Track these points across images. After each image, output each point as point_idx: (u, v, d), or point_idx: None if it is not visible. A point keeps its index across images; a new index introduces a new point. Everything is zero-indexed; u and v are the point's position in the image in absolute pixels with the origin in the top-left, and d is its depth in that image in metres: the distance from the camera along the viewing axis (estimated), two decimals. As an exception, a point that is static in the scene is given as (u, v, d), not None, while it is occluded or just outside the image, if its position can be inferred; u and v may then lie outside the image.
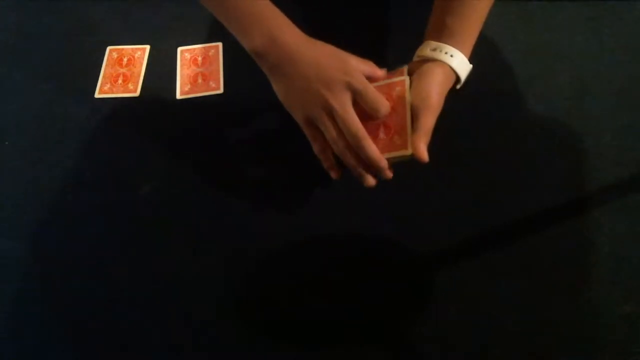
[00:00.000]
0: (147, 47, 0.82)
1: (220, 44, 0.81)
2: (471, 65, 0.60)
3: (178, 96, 0.77)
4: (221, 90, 0.77)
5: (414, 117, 0.56)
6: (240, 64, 0.79)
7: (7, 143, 0.75)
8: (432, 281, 0.62)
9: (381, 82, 0.59)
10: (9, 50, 0.85)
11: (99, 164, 0.72)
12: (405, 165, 0.68)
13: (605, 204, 0.65)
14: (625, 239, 0.62)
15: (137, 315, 0.61)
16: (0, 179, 0.72)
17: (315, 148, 0.59)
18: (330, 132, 0.56)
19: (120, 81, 0.79)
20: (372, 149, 0.55)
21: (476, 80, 0.74)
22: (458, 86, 0.61)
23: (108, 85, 0.79)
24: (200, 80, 0.78)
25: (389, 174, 0.57)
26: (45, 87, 0.80)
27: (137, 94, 0.78)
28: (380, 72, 0.59)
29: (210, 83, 0.78)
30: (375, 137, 0.57)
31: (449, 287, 0.61)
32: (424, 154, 0.55)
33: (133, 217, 0.68)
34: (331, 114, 0.55)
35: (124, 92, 0.78)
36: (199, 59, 0.80)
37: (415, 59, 0.61)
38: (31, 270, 0.65)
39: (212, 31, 0.83)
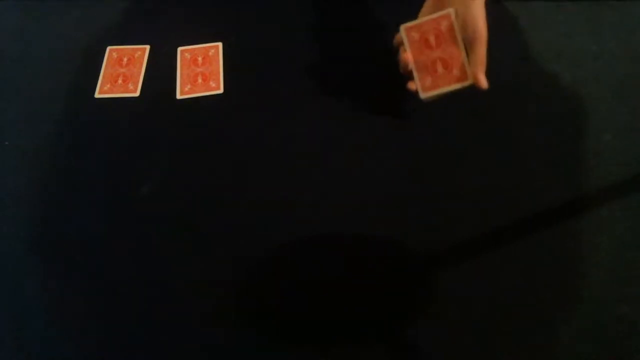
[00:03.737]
0: (147, 47, 0.82)
1: (220, 44, 0.81)
2: None
3: (178, 96, 0.77)
4: (221, 90, 0.77)
5: (468, 49, 0.60)
6: (240, 64, 0.79)
7: (7, 143, 0.75)
8: (432, 281, 0.62)
9: (426, 18, 0.63)
10: (9, 50, 0.85)
11: (99, 164, 0.72)
12: (405, 164, 0.68)
13: (605, 203, 0.65)
14: (625, 239, 0.62)
15: (136, 315, 0.61)
16: (0, 179, 0.72)
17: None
18: None
19: (120, 81, 0.79)
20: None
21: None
22: None
23: (108, 85, 0.79)
24: (200, 80, 0.78)
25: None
26: (45, 87, 0.80)
27: (137, 94, 0.78)
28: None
29: (210, 83, 0.78)
30: (434, 72, 0.62)
31: (449, 287, 0.61)
32: (483, 82, 0.59)
33: (133, 217, 0.68)
34: None
35: (124, 92, 0.78)
36: (199, 59, 0.80)
37: None
38: (31, 270, 0.65)
39: (212, 31, 0.83)
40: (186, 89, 0.77)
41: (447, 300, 0.60)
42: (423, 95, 0.63)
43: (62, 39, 0.85)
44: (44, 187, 0.71)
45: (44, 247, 0.67)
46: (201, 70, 0.79)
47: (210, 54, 0.81)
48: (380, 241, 0.64)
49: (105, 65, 0.81)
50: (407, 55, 0.64)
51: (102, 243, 0.66)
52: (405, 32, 0.64)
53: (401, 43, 0.65)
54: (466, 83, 0.60)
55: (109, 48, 0.82)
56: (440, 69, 0.61)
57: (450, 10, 0.61)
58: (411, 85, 0.65)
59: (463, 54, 0.60)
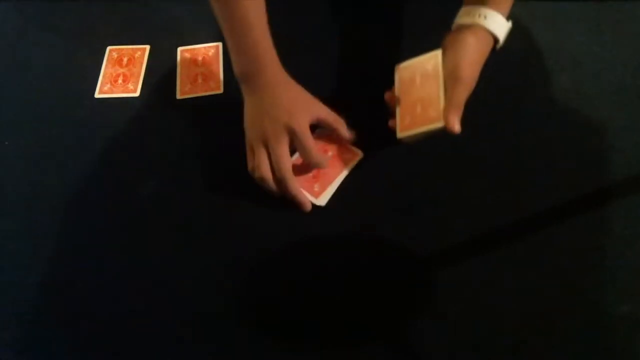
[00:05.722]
0: (147, 47, 0.82)
1: (220, 44, 0.81)
2: (509, 23, 0.61)
3: (178, 96, 0.77)
4: (221, 90, 0.77)
5: (448, 91, 0.58)
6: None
7: (7, 143, 0.75)
8: (432, 281, 0.62)
9: (414, 59, 0.62)
10: (9, 50, 0.85)
11: (99, 164, 0.72)
12: (405, 164, 0.69)
13: (605, 203, 0.65)
14: (625, 238, 0.62)
15: (136, 315, 0.61)
16: (0, 179, 0.72)
17: (249, 166, 0.66)
18: (259, 159, 0.63)
19: (120, 81, 0.79)
20: (294, 187, 0.62)
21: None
22: (497, 46, 0.61)
23: (108, 85, 0.79)
24: (200, 80, 0.78)
25: (307, 208, 0.64)
26: (45, 87, 0.80)
27: (137, 94, 0.78)
28: (343, 130, 0.65)
29: (210, 83, 0.78)
30: (413, 112, 0.60)
31: (449, 287, 0.61)
32: (453, 126, 0.57)
33: (133, 217, 0.68)
34: (266, 145, 0.63)
35: (124, 92, 0.78)
36: (199, 59, 0.80)
37: (453, 28, 0.62)
38: (31, 270, 0.65)
39: (212, 31, 0.83)
40: (186, 89, 0.77)
41: (447, 300, 0.60)
42: (399, 134, 0.63)
43: (62, 39, 0.85)
44: (44, 187, 0.71)
45: (43, 247, 0.67)
46: (201, 70, 0.79)
47: (210, 54, 0.81)
48: (380, 241, 0.64)
49: (105, 65, 0.81)
50: (390, 95, 0.65)
51: (102, 242, 0.66)
52: (398, 72, 0.64)
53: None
54: (438, 125, 0.58)
55: (109, 48, 0.83)
56: (419, 108, 0.60)
57: (438, 52, 0.60)
58: (391, 123, 0.65)
59: (441, 95, 0.58)
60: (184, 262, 0.64)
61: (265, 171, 0.62)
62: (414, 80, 0.62)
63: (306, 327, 0.60)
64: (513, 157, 0.69)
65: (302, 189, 0.65)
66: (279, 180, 0.62)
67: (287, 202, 0.65)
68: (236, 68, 0.66)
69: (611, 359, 0.57)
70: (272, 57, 0.65)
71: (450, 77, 0.58)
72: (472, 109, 0.72)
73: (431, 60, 0.60)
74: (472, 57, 0.59)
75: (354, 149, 0.69)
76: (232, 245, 0.65)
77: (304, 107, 0.64)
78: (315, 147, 0.63)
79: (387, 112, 0.67)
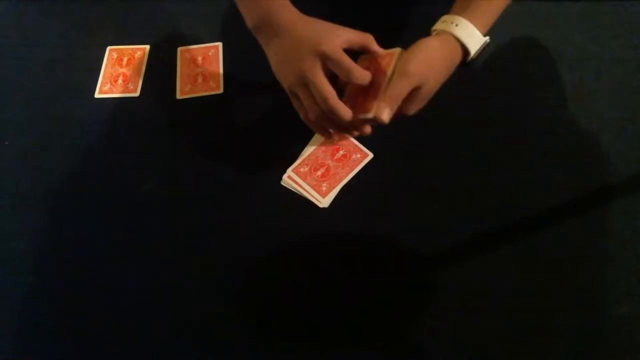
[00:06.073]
0: (147, 47, 0.82)
1: (220, 44, 0.81)
2: (485, 38, 0.62)
3: (178, 96, 0.77)
4: (221, 90, 0.77)
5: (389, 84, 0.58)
6: (240, 64, 0.79)
7: (7, 143, 0.75)
8: (432, 281, 0.62)
9: (376, 54, 0.62)
10: (9, 51, 0.85)
11: (98, 164, 0.72)
12: (406, 164, 0.69)
13: (605, 203, 0.65)
14: (625, 238, 0.62)
15: (136, 315, 0.61)
16: (0, 179, 0.72)
17: (301, 115, 0.63)
18: (305, 100, 0.60)
19: (120, 81, 0.79)
20: (340, 107, 0.58)
21: (475, 80, 0.74)
22: (468, 58, 0.61)
23: (108, 85, 0.79)
24: (200, 80, 0.78)
25: (367, 130, 0.62)
26: (45, 87, 0.80)
27: (137, 94, 0.78)
28: (374, 45, 0.62)
29: (210, 83, 0.78)
30: (356, 99, 0.61)
31: (449, 287, 0.61)
32: (381, 114, 0.57)
33: (133, 217, 0.68)
34: (305, 82, 0.59)
35: (124, 92, 0.78)
36: (199, 59, 0.80)
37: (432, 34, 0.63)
38: (31, 270, 0.65)
39: (212, 31, 0.83)
40: (186, 89, 0.77)
41: (447, 300, 0.60)
42: None
43: (62, 39, 0.85)
44: (44, 187, 0.71)
45: (43, 247, 0.67)
46: (201, 70, 0.79)
47: (210, 54, 0.81)
48: (380, 241, 0.64)
49: (105, 65, 0.81)
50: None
51: (102, 242, 0.66)
52: (359, 61, 0.64)
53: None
54: (369, 114, 0.58)
55: (109, 48, 0.83)
56: (360, 98, 0.61)
57: (397, 49, 0.60)
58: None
59: (383, 88, 0.59)
60: (184, 262, 0.64)
61: (317, 111, 0.60)
62: (370, 71, 0.62)
63: (306, 327, 0.60)
64: (513, 157, 0.69)
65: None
66: (330, 112, 0.59)
67: (289, 201, 0.65)
68: (249, 19, 0.63)
69: (611, 359, 0.57)
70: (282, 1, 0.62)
71: (397, 71, 0.58)
72: (472, 109, 0.72)
73: (387, 55, 0.61)
74: (426, 55, 0.59)
75: (364, 149, 0.69)
76: (232, 245, 0.65)
77: (330, 33, 0.60)
78: (353, 63, 0.59)
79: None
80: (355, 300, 0.61)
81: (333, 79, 0.59)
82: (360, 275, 0.62)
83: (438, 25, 0.62)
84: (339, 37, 0.59)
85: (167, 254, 0.65)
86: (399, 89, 0.57)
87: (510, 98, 0.73)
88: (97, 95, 0.78)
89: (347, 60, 0.58)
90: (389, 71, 0.59)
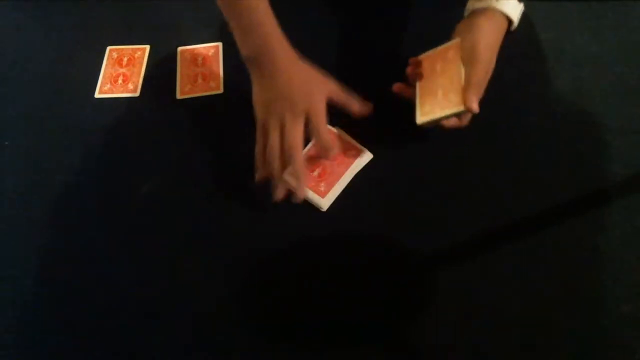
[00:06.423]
0: (147, 47, 0.82)
1: (220, 44, 0.81)
2: (522, 4, 0.62)
3: (178, 96, 0.77)
4: (221, 90, 0.77)
5: (466, 72, 0.59)
6: (240, 64, 0.79)
7: (7, 143, 0.75)
8: (432, 281, 0.62)
9: (435, 49, 0.63)
10: (9, 51, 0.85)
11: (98, 164, 0.72)
12: (406, 164, 0.69)
13: (605, 203, 0.65)
14: (625, 238, 0.62)
15: (136, 315, 0.61)
16: (0, 179, 0.72)
17: (257, 148, 0.65)
18: (273, 138, 0.62)
19: (120, 81, 0.79)
20: (300, 161, 0.61)
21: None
22: (512, 28, 0.62)
23: (108, 85, 0.79)
24: (200, 80, 0.78)
25: (301, 195, 0.63)
26: (45, 87, 0.80)
27: (137, 94, 0.78)
28: (354, 107, 0.65)
29: (210, 83, 0.78)
30: (434, 98, 0.61)
31: (449, 287, 0.61)
32: (472, 105, 0.58)
33: (133, 217, 0.68)
34: (283, 126, 0.61)
35: (124, 92, 0.78)
36: (199, 59, 0.80)
37: (465, 14, 0.63)
38: (31, 270, 0.65)
39: (212, 31, 0.83)
40: (186, 89, 0.77)
41: (447, 300, 0.60)
42: (419, 120, 0.63)
43: (62, 39, 0.85)
44: (43, 187, 0.71)
45: (43, 247, 0.67)
46: (201, 70, 0.79)
47: (210, 54, 0.81)
48: (380, 241, 0.64)
49: (105, 65, 0.81)
50: (400, 86, 0.67)
51: (102, 243, 0.66)
52: (423, 57, 0.66)
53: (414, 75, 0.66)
54: (460, 108, 0.59)
55: (109, 48, 0.83)
56: (440, 94, 0.61)
57: (457, 40, 0.61)
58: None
59: (462, 80, 0.59)
60: (184, 263, 0.64)
61: (278, 150, 0.62)
62: (434, 69, 0.63)
63: (306, 327, 0.60)
64: (513, 157, 0.69)
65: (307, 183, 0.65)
66: (289, 160, 0.61)
67: (289, 202, 0.65)
68: (243, 50, 0.65)
69: (611, 359, 0.57)
70: (280, 36, 0.63)
71: (469, 60, 0.59)
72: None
73: (451, 48, 0.61)
74: (487, 39, 0.60)
75: (359, 145, 0.69)
76: (232, 245, 0.65)
77: (319, 88, 0.63)
78: (328, 132, 0.63)
79: (386, 110, 0.67)
80: (355, 300, 0.61)
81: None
82: (360, 275, 0.62)
83: (476, 4, 0.62)
84: (325, 95, 0.63)
85: (167, 254, 0.65)
86: (480, 77, 0.58)
87: (510, 98, 0.73)
88: (97, 95, 0.78)
89: (324, 126, 0.62)
90: (459, 62, 0.60)
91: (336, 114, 0.70)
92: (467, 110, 0.58)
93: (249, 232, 0.65)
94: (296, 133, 0.61)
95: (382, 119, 0.68)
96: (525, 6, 0.70)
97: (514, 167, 0.68)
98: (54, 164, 0.73)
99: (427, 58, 0.65)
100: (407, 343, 0.59)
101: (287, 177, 0.63)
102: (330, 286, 0.62)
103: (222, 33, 0.82)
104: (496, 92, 0.73)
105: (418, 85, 0.65)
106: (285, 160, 0.62)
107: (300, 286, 0.62)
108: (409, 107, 0.66)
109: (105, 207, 0.69)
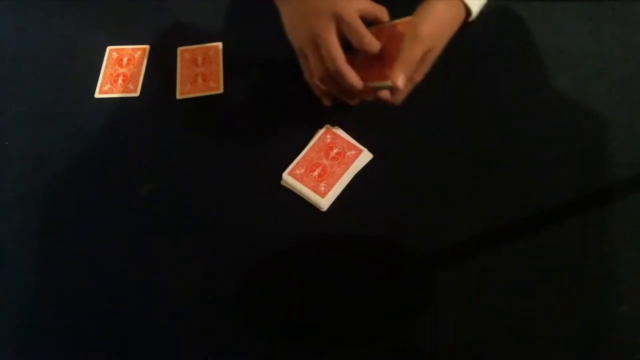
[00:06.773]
0: (147, 47, 0.82)
1: (220, 44, 0.81)
2: (485, 0, 0.61)
3: (178, 96, 0.77)
4: (221, 90, 0.77)
5: (401, 48, 0.58)
6: (240, 64, 0.79)
7: (7, 143, 0.75)
8: (432, 281, 0.62)
9: (389, 22, 0.62)
10: (9, 50, 0.85)
11: (98, 164, 0.72)
12: (406, 164, 0.69)
13: (605, 203, 0.65)
14: (625, 238, 0.62)
15: (136, 315, 0.61)
16: (0, 179, 0.72)
17: (306, 75, 0.64)
18: (313, 60, 0.60)
19: (120, 81, 0.79)
20: (346, 70, 0.59)
21: (474, 80, 0.74)
22: (470, 19, 0.62)
23: (108, 85, 0.79)
24: (200, 80, 0.78)
25: (371, 96, 0.62)
26: (45, 87, 0.80)
27: (137, 94, 0.78)
28: (385, 15, 0.63)
29: (210, 83, 0.78)
30: (370, 68, 0.60)
31: (449, 287, 0.61)
32: (397, 79, 0.57)
33: (133, 217, 0.68)
34: (316, 42, 0.59)
35: (124, 92, 0.78)
36: (199, 59, 0.80)
37: None
38: (31, 270, 0.65)
39: (212, 31, 0.83)
40: (186, 89, 0.77)
41: (447, 300, 0.60)
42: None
43: (62, 39, 0.85)
44: (44, 187, 0.71)
45: (43, 247, 0.67)
46: (201, 70, 0.79)
47: (210, 54, 0.81)
48: (381, 242, 0.64)
49: (105, 65, 0.81)
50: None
51: (102, 243, 0.66)
52: (373, 29, 0.64)
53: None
54: (387, 83, 0.58)
55: (109, 48, 0.83)
56: (376, 67, 0.60)
57: (409, 17, 0.60)
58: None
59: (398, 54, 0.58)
60: (184, 263, 0.64)
61: (322, 70, 0.60)
62: (380, 41, 0.62)
63: (306, 327, 0.60)
64: (513, 157, 0.69)
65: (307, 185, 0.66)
66: (336, 73, 0.59)
67: (289, 201, 0.65)
68: None
69: (611, 359, 0.57)
70: None
71: (409, 36, 0.58)
72: (472, 109, 0.72)
73: (400, 24, 0.61)
74: (436, 18, 0.59)
75: (358, 145, 0.69)
76: (232, 245, 0.65)
77: None
78: (366, 29, 0.59)
79: (386, 110, 0.67)
80: (355, 300, 0.61)
81: (345, 47, 0.59)
82: (360, 275, 0.62)
83: None
84: (355, 4, 0.60)
85: (167, 254, 0.65)
86: (413, 54, 0.57)
87: (509, 98, 0.73)
88: (97, 95, 0.78)
89: (361, 26, 0.59)
90: (403, 38, 0.59)
91: (335, 114, 0.71)
92: (393, 85, 0.57)
93: (249, 232, 0.65)
94: (330, 45, 0.58)
95: (382, 119, 0.69)
96: (525, 6, 0.69)
97: (514, 167, 0.68)
98: (54, 164, 0.73)
99: (378, 30, 0.63)
100: (407, 343, 0.59)
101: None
102: (330, 286, 0.62)
103: (222, 33, 0.82)
104: (496, 92, 0.73)
105: (359, 53, 0.64)
106: (333, 74, 0.60)
107: (300, 286, 0.62)
108: (409, 107, 0.66)
109: (105, 207, 0.69)
